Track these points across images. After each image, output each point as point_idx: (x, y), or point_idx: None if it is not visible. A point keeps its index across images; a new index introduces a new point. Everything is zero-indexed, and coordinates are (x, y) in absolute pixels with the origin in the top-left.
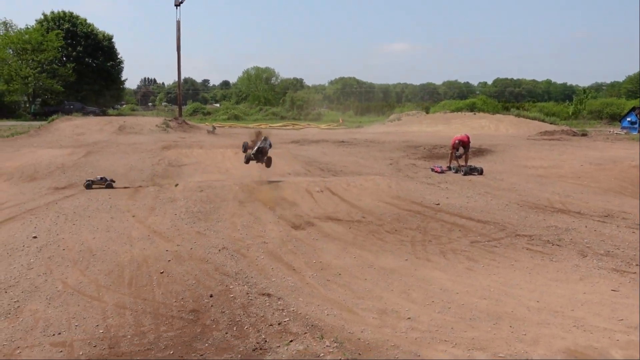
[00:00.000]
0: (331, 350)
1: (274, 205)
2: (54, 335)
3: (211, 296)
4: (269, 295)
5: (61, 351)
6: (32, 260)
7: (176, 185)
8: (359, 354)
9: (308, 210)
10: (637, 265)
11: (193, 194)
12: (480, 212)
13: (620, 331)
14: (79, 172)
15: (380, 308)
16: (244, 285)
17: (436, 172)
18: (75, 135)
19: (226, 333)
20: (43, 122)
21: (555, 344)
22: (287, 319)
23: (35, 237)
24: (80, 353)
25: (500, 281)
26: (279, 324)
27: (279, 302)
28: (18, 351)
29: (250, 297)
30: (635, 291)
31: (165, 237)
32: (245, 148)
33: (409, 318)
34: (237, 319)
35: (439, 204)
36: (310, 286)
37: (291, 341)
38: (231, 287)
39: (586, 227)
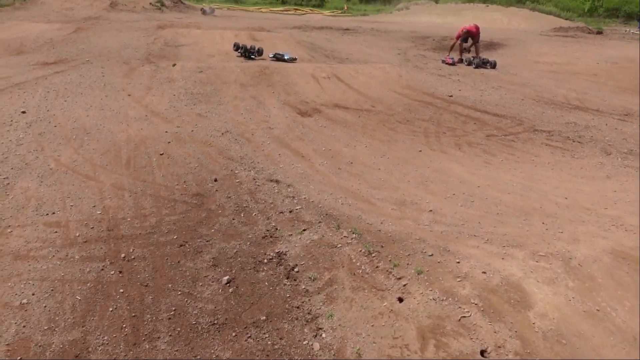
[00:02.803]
0: (349, 241)
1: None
2: (47, 214)
3: (215, 180)
4: (277, 181)
5: (56, 232)
6: (21, 135)
7: (174, 65)
8: (382, 246)
9: (314, 96)
10: None
11: (192, 75)
12: (495, 105)
13: None
14: (69, 47)
15: (398, 199)
16: (250, 171)
17: (447, 63)
18: (63, 10)
19: (233, 219)
20: None
21: (598, 244)
22: (299, 207)
23: (24, 112)
24: (77, 234)
25: (522, 176)
26: (290, 211)
27: (289, 190)
28: (9, 230)
29: (257, 183)
30: None
31: (163, 118)
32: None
33: (431, 210)
34: (245, 205)
35: (451, 96)
36: (321, 174)
37: (304, 230)
38: (236, 172)
39: (606, 125)
